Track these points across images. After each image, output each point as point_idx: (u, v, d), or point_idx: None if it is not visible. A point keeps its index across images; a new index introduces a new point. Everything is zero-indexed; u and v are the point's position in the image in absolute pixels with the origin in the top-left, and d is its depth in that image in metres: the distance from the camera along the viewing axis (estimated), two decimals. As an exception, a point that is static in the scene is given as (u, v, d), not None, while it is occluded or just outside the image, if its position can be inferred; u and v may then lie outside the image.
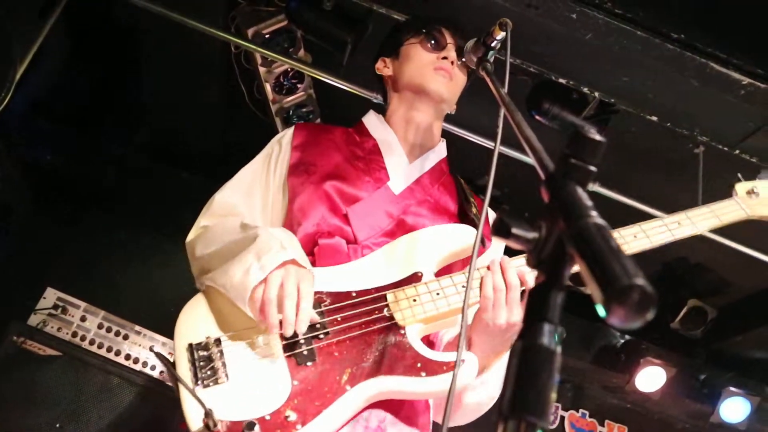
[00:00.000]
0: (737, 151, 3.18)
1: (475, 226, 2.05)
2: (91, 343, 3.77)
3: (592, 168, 0.89)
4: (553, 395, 0.78)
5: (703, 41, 2.73)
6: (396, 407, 1.81)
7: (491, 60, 1.93)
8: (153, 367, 3.81)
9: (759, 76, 2.75)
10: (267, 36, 3.70)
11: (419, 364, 1.69)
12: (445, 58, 2.21)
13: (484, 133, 3.66)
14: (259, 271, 1.67)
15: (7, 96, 3.06)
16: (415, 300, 1.80)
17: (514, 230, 0.86)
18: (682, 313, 4.86)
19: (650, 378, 4.88)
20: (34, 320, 3.70)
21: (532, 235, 0.86)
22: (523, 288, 1.78)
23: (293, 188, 2.07)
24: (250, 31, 3.65)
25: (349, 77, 3.62)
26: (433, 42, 2.25)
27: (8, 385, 3.45)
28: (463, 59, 2.18)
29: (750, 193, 2.07)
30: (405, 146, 2.24)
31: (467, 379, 1.70)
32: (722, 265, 4.52)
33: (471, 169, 4.47)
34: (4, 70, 3.08)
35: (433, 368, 1.68)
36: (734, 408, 4.93)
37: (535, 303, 0.84)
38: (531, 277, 1.79)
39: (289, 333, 1.66)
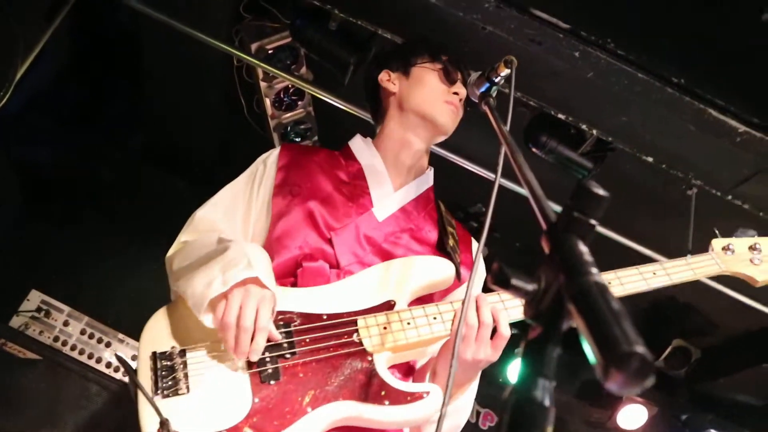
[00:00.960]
0: (729, 197, 3.21)
1: (452, 258, 2.05)
2: (73, 348, 3.73)
3: (594, 222, 0.89)
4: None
5: (702, 87, 2.75)
6: None
7: (494, 95, 1.94)
8: (133, 377, 3.78)
9: (755, 125, 2.78)
10: (270, 51, 3.72)
11: (383, 392, 1.67)
12: (456, 92, 2.21)
13: (478, 160, 3.68)
14: (221, 285, 1.66)
15: (6, 94, 3.05)
16: (385, 328, 1.79)
17: (514, 281, 0.85)
18: (666, 353, 4.87)
19: (632, 415, 4.89)
20: (16, 322, 3.66)
21: (531, 286, 0.86)
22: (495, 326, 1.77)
23: (277, 208, 2.06)
24: (254, 46, 3.66)
25: (349, 97, 3.64)
26: (448, 74, 2.24)
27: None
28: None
29: (725, 249, 2.11)
30: (392, 171, 2.22)
31: (429, 411, 1.68)
32: (709, 306, 4.54)
33: (460, 194, 4.51)
34: (5, 69, 3.07)
35: (397, 398, 1.66)
36: (714, 450, 4.94)
37: (531, 356, 0.84)
38: (504, 317, 1.80)
39: (241, 360, 1.68)
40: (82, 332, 3.78)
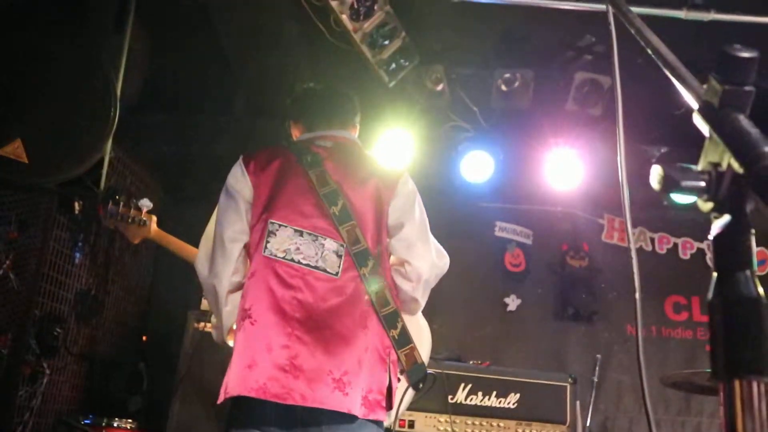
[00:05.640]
0: None
1: None
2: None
3: (749, 89, 0.81)
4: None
5: None
6: None
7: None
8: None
9: None
10: (328, -33, 3.63)
11: None
12: None
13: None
14: None
15: (116, 112, 3.17)
16: None
17: (684, 183, 0.80)
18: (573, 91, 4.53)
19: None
20: (205, 304, 3.96)
21: (702, 182, 0.80)
22: None
23: None
24: (311, -31, 3.58)
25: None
26: None
27: (204, 365, 3.77)
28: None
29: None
30: None
31: None
32: None
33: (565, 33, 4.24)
34: (105, 88, 3.18)
35: None
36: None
37: (724, 251, 0.80)
38: None
39: None
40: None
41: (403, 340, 2.34)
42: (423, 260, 2.46)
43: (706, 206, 0.82)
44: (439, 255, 2.56)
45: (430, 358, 2.63)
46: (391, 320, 2.33)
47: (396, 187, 2.47)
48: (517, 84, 4.53)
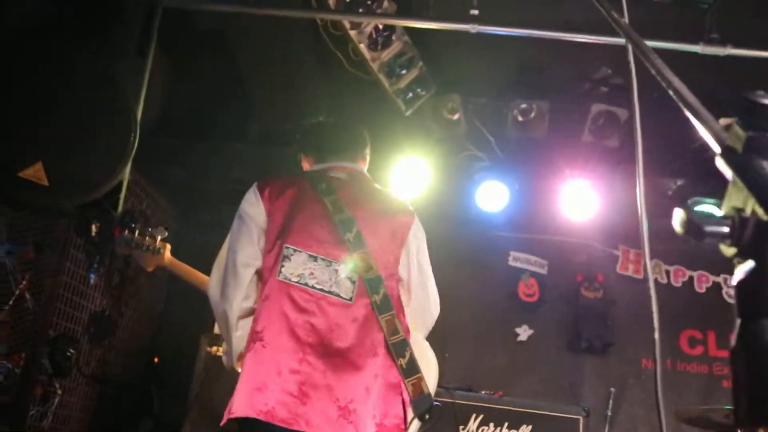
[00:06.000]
0: None
1: None
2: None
3: (774, 135, 0.82)
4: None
5: None
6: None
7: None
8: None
9: None
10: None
11: None
12: None
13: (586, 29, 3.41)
14: None
15: (136, 136, 3.20)
16: None
17: (708, 229, 0.80)
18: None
19: None
20: (218, 328, 3.96)
21: (726, 228, 0.80)
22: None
23: None
24: (331, 0, 3.62)
25: (439, 15, 3.54)
26: None
27: (216, 389, 3.75)
28: None
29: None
30: None
31: None
32: None
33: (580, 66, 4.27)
34: (126, 112, 3.21)
35: None
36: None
37: (747, 297, 0.79)
38: None
39: None
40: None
41: (411, 369, 2.34)
42: (429, 312, 2.59)
43: (730, 251, 0.82)
44: (435, 305, 2.63)
45: (442, 387, 2.61)
46: (399, 349, 2.33)
47: (409, 234, 2.52)
48: (533, 115, 4.55)
